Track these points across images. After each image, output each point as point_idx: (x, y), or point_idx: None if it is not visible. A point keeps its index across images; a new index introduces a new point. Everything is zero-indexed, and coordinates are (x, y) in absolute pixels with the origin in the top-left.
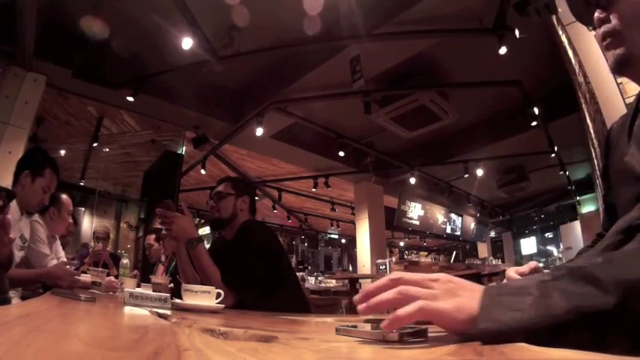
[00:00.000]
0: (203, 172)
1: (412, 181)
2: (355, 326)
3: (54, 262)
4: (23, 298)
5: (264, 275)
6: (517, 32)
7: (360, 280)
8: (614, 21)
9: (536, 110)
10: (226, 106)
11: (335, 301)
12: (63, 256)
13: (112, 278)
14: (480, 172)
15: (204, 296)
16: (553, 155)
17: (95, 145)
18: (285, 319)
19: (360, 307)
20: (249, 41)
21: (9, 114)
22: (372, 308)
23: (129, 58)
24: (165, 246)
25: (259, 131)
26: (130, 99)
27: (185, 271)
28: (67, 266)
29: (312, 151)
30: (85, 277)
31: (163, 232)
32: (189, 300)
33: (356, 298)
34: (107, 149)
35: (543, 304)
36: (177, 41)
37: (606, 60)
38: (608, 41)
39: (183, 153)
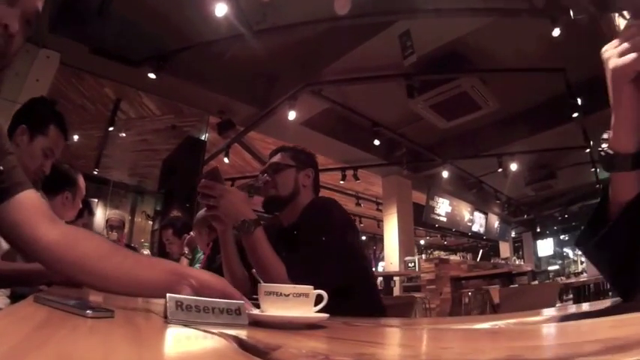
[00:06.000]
0: (226, 160)
1: (445, 174)
2: None
3: None
4: (13, 297)
5: (345, 268)
6: (572, 13)
7: (395, 278)
8: None
9: (579, 101)
10: (255, 89)
11: (410, 300)
12: None
13: None
14: (514, 167)
15: (299, 302)
16: (588, 151)
17: (111, 129)
18: (429, 329)
19: None
20: (283, 19)
21: (18, 92)
22: None
23: (151, 33)
24: (197, 236)
25: (292, 115)
26: (152, 76)
27: (231, 266)
28: None
29: (342, 141)
30: None
31: (206, 211)
32: (275, 309)
33: None
34: (124, 134)
35: None
36: (205, 12)
37: None
38: None
39: (206, 139)
